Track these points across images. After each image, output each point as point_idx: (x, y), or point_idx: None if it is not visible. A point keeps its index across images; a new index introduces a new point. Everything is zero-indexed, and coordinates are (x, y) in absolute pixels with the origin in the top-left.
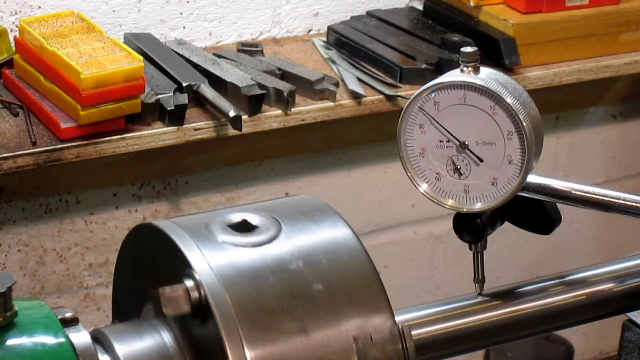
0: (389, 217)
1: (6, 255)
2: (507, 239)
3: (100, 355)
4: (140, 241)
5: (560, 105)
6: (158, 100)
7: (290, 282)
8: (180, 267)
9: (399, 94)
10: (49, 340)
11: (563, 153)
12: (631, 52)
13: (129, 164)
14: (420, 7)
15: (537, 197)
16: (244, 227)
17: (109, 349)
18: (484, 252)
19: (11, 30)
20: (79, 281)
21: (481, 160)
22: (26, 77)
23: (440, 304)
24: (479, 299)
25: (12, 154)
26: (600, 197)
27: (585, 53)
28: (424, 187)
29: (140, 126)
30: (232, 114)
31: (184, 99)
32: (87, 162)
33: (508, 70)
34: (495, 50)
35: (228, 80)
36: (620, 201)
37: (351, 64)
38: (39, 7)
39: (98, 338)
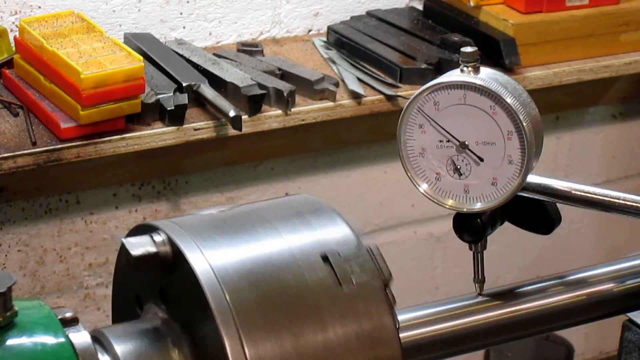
0: (389, 217)
1: (6, 255)
2: (507, 239)
3: (100, 355)
4: None
5: (560, 105)
6: (158, 100)
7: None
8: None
9: (399, 94)
10: (49, 340)
11: (563, 153)
12: (631, 52)
13: (129, 164)
14: (420, 7)
15: (537, 197)
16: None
17: (108, 349)
18: (484, 252)
19: (11, 30)
20: (79, 281)
21: (481, 160)
22: (26, 77)
23: (440, 304)
24: (479, 299)
25: (12, 154)
26: (600, 197)
27: (585, 53)
28: (424, 187)
29: (140, 126)
30: (232, 114)
31: (184, 99)
32: (87, 162)
33: (508, 70)
34: (495, 50)
35: (228, 80)
36: (620, 201)
37: (351, 64)
38: (39, 7)
39: (98, 338)
